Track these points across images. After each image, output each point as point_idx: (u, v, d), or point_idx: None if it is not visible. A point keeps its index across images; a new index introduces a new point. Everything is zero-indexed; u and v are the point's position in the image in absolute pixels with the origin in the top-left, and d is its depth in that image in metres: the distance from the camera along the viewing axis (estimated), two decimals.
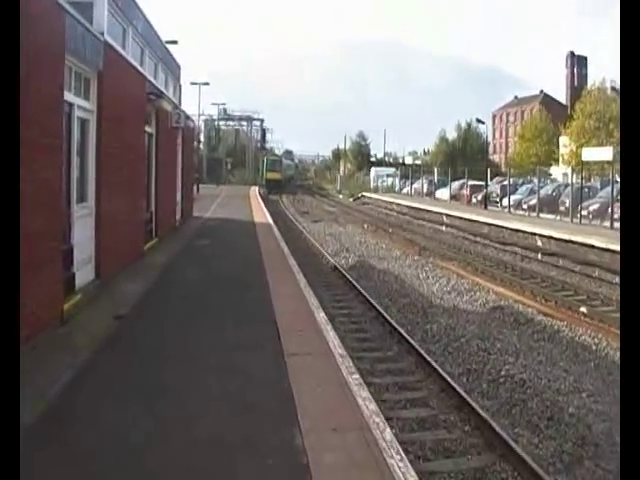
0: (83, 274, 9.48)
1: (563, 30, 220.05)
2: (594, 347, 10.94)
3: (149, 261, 13.38)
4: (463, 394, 7.82)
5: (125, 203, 12.01)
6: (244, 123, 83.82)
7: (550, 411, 7.73)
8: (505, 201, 35.97)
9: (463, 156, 73.92)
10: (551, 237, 22.55)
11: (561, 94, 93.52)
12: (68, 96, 8.61)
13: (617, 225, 24.56)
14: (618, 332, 11.56)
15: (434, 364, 8.95)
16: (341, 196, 64.10)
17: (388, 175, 68.13)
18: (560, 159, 56.72)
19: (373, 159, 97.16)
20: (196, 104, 55.18)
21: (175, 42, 24.09)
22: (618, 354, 10.59)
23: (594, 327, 11.93)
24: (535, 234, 23.70)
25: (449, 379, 8.35)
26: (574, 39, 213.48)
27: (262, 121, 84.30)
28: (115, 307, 8.94)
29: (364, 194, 57.95)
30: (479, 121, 51.88)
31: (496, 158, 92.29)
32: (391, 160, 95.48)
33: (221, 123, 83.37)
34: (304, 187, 79.54)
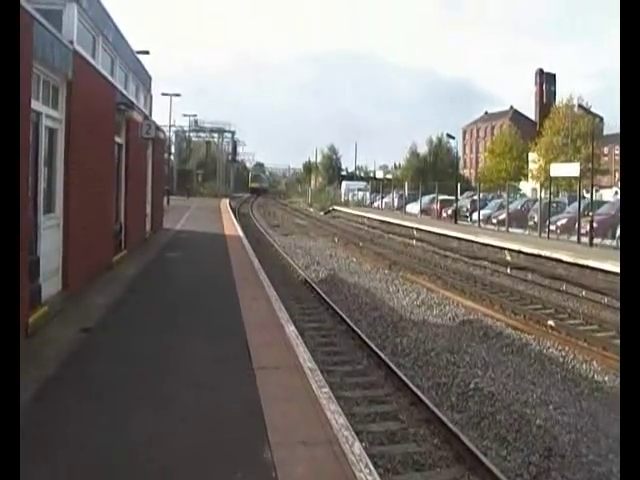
0: (50, 286, 9.31)
1: (534, 47, 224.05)
2: (561, 360, 11.06)
3: (118, 273, 13.21)
4: (432, 407, 7.84)
5: (94, 214, 11.87)
6: (215, 135, 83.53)
7: (518, 423, 7.79)
8: (475, 215, 36.32)
9: (434, 171, 74.60)
10: (520, 251, 22.82)
11: (530, 110, 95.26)
12: (36, 105, 8.49)
13: (584, 240, 24.99)
14: (584, 345, 11.75)
15: (404, 377, 8.97)
16: (312, 209, 64.11)
17: (359, 189, 68.48)
18: (529, 174, 57.68)
19: (344, 172, 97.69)
20: (167, 115, 54.99)
21: (146, 52, 24.00)
22: (584, 366, 10.75)
23: (561, 340, 12.07)
24: (504, 248, 23.96)
25: (419, 392, 8.36)
26: (543, 56, 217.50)
27: (233, 133, 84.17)
28: (82, 319, 8.79)
29: (335, 207, 58.13)
30: (449, 136, 52.46)
31: (466, 173, 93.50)
32: (362, 174, 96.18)
33: (192, 135, 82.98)
34: (275, 200, 79.52)
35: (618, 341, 10.96)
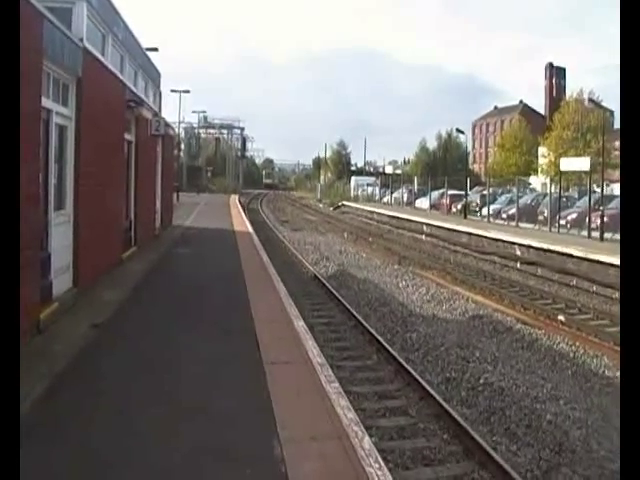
0: (60, 282, 9.36)
1: (543, 41, 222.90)
2: (571, 355, 11.02)
3: (128, 269, 13.26)
4: (442, 402, 7.84)
5: (104, 211, 11.91)
6: (225, 131, 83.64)
7: (528, 418, 7.78)
8: (485, 210, 36.17)
9: (443, 165, 74.38)
10: (530, 246, 22.73)
11: (540, 105, 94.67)
12: (46, 102, 8.52)
13: (594, 234, 24.85)
14: (595, 340, 11.71)
15: (413, 373, 8.97)
16: (321, 205, 63.98)
17: (368, 184, 68.28)
18: (539, 169, 57.30)
19: (353, 168, 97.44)
20: (176, 112, 55.13)
21: (156, 49, 23.95)
22: (595, 361, 10.71)
23: (572, 335, 12.03)
24: (514, 243, 23.86)
25: (428, 387, 8.36)
26: (553, 50, 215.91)
27: (242, 129, 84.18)
28: (92, 315, 8.83)
29: (344, 203, 58.00)
30: (459, 131, 52.17)
31: (476, 168, 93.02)
32: (371, 169, 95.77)
33: (201, 131, 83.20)
34: (284, 195, 79.45)
35: None
